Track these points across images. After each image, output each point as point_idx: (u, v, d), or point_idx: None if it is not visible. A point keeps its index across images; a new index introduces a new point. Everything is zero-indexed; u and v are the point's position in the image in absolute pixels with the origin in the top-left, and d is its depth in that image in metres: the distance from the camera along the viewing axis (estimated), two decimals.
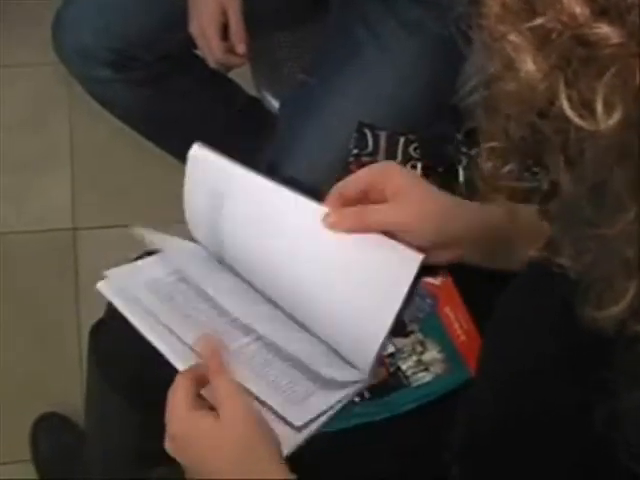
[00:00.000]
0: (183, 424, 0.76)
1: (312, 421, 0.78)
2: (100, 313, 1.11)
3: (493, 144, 0.55)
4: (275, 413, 0.77)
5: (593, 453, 0.59)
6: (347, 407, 0.82)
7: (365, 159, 1.02)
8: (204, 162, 0.87)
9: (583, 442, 0.60)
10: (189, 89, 1.46)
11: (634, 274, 0.49)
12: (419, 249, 0.79)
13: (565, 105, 0.46)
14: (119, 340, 1.05)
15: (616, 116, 0.45)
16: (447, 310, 0.91)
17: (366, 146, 1.03)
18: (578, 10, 0.45)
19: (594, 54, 0.45)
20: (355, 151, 1.03)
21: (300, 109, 1.22)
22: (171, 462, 1.21)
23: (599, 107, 0.45)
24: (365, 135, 1.04)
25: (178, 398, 0.77)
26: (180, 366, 0.81)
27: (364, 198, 0.82)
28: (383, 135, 1.03)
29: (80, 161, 1.83)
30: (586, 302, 0.52)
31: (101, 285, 0.87)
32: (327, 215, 0.80)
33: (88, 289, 1.67)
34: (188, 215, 0.90)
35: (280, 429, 0.76)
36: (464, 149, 1.01)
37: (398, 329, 0.84)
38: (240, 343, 0.82)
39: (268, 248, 0.84)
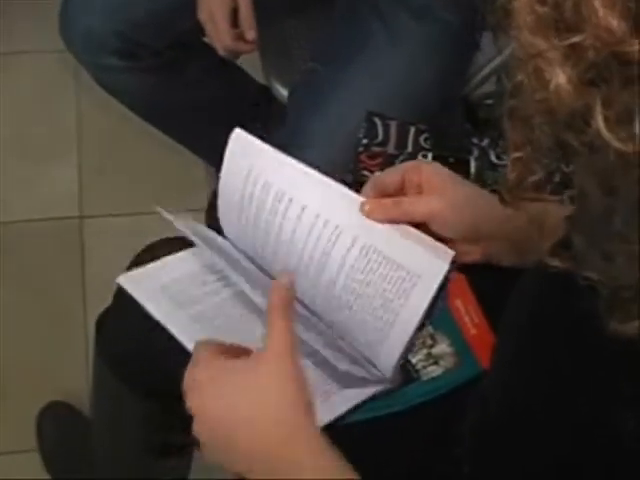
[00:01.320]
0: (212, 367, 0.67)
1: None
2: (107, 301, 1.10)
3: (518, 154, 0.54)
4: None
5: (606, 454, 0.59)
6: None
7: (375, 149, 1.01)
8: (246, 146, 0.86)
9: (596, 442, 0.59)
10: (198, 77, 1.45)
11: None
12: (451, 242, 0.80)
13: (601, 125, 0.45)
14: (125, 329, 1.05)
15: None
16: (458, 303, 0.90)
17: (376, 136, 1.02)
18: (615, 24, 0.43)
19: (633, 72, 0.43)
20: (365, 141, 1.02)
21: (309, 97, 1.21)
22: (179, 454, 1.22)
23: (638, 128, 0.43)
24: (375, 125, 1.03)
25: (201, 353, 0.68)
26: None
27: (400, 191, 0.84)
28: (394, 125, 1.02)
29: (87, 149, 1.83)
30: (611, 315, 0.50)
31: (123, 280, 0.90)
32: (364, 203, 0.81)
33: (95, 277, 1.67)
34: (221, 202, 0.89)
35: None
36: (475, 140, 1.01)
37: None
38: None
39: (300, 237, 0.83)
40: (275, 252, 0.86)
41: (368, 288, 0.80)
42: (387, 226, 0.80)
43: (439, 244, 0.80)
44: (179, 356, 0.82)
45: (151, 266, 0.92)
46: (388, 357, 0.82)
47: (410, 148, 1.02)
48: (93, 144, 1.84)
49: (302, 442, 0.65)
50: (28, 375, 1.57)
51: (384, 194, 0.83)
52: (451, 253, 0.79)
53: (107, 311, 1.11)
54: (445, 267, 0.78)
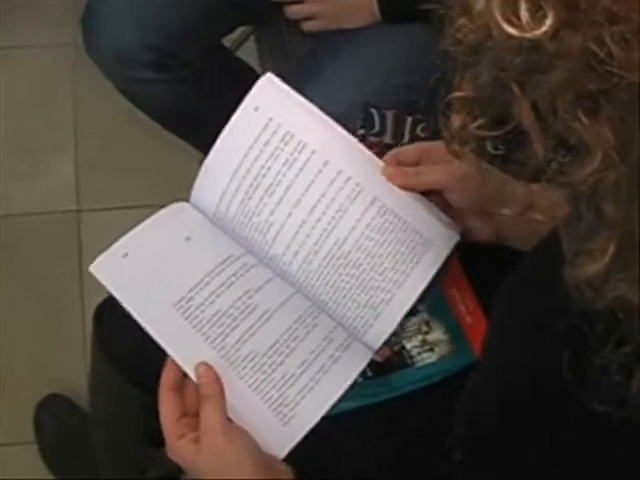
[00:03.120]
0: (170, 449, 0.80)
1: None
2: (104, 294, 1.10)
3: (461, 94, 0.54)
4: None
5: (598, 439, 0.59)
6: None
7: (372, 139, 1.01)
8: (276, 91, 0.85)
9: (588, 428, 0.60)
10: (221, 84, 1.44)
11: (614, 234, 0.48)
12: (463, 217, 0.84)
13: (497, 16, 0.46)
14: (123, 321, 1.05)
15: (547, 22, 0.45)
16: (453, 291, 0.91)
17: (373, 126, 1.02)
18: None
19: None
20: (362, 131, 1.02)
21: (306, 76, 1.21)
22: None
23: (524, 13, 0.45)
24: (372, 115, 1.03)
25: (164, 422, 0.80)
26: (179, 360, 0.80)
27: (416, 166, 0.86)
28: (390, 115, 1.02)
29: (85, 143, 1.83)
30: (569, 264, 0.51)
31: (94, 268, 0.86)
32: (386, 167, 0.85)
33: None
34: (217, 149, 0.87)
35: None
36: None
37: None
38: (246, 326, 0.81)
39: (317, 190, 0.83)
40: (275, 209, 0.84)
41: (381, 248, 0.82)
42: (404, 192, 0.84)
43: (449, 218, 0.84)
44: None
45: (120, 243, 0.86)
46: (388, 321, 0.82)
47: (407, 138, 1.02)
48: (91, 138, 1.83)
49: None
50: (26, 368, 1.57)
51: (402, 165, 0.86)
52: (458, 227, 0.83)
53: (105, 302, 1.11)
54: (457, 237, 0.82)
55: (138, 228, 0.86)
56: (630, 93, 0.45)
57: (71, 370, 1.55)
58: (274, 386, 0.79)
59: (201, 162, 1.81)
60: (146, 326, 0.82)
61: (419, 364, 0.88)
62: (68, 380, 1.55)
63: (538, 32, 0.45)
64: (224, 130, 0.86)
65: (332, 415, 0.81)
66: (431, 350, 0.89)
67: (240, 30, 1.73)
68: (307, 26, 1.30)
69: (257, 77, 1.51)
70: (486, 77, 0.52)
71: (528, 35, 0.46)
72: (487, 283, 0.80)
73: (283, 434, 0.78)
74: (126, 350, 1.06)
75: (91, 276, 1.64)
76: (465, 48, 0.51)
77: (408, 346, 0.88)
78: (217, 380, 0.79)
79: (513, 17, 0.46)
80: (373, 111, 1.03)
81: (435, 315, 0.90)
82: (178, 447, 0.78)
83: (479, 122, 0.55)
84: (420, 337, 0.89)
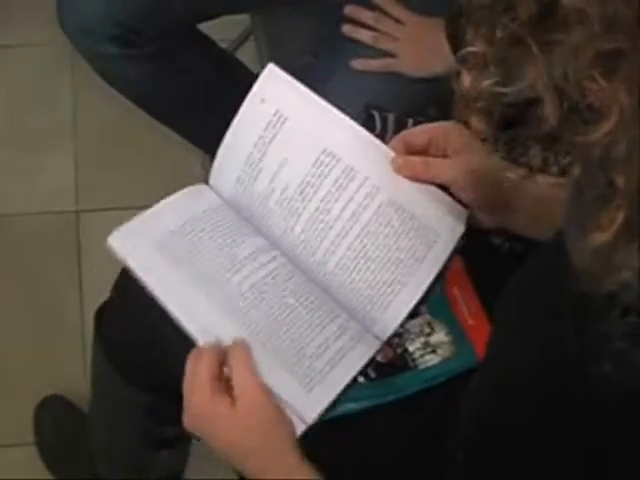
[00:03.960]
0: (202, 408, 0.77)
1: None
2: (103, 295, 1.10)
3: (475, 49, 0.54)
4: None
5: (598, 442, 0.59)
6: (352, 388, 0.82)
7: None
8: (280, 82, 0.85)
9: (593, 428, 0.60)
10: (193, 65, 1.44)
11: (623, 203, 0.48)
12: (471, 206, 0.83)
13: None
14: (125, 323, 1.05)
15: None
16: (455, 292, 0.91)
17: (374, 128, 1.03)
18: None
19: None
20: None
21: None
22: (176, 446, 1.23)
23: None
24: (373, 117, 1.03)
25: (202, 376, 0.77)
26: (194, 333, 0.80)
27: (425, 151, 0.85)
28: (391, 117, 1.03)
29: (84, 142, 1.82)
30: (575, 235, 0.51)
31: (111, 240, 0.85)
32: (394, 159, 0.83)
33: (91, 272, 1.67)
34: (227, 141, 0.87)
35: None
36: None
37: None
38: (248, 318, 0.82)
39: (316, 183, 0.84)
40: (283, 198, 0.85)
41: (388, 240, 0.82)
42: (410, 182, 0.83)
43: (456, 204, 0.83)
44: (178, 349, 0.83)
45: (138, 219, 0.86)
46: (396, 313, 0.82)
47: None
48: (90, 137, 1.83)
49: (280, 473, 0.76)
50: (24, 369, 1.57)
51: (410, 151, 0.85)
52: (465, 212, 0.82)
53: (106, 304, 1.11)
54: (462, 227, 0.82)
55: (157, 206, 0.87)
56: None
57: (70, 371, 1.55)
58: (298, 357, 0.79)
59: (203, 163, 1.82)
60: (163, 299, 0.82)
61: (422, 366, 0.88)
62: (67, 381, 1.55)
63: None
64: (233, 123, 0.87)
65: (336, 416, 0.81)
66: (433, 352, 0.89)
67: (239, 31, 1.74)
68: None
69: (237, 63, 1.52)
70: (501, 33, 0.51)
71: None
72: (489, 284, 0.80)
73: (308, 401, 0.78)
74: (127, 351, 1.06)
75: (91, 277, 1.65)
76: (480, 1, 0.51)
77: (411, 348, 0.88)
78: (246, 342, 0.78)
79: None
80: (374, 113, 1.03)
81: (437, 317, 0.90)
82: (214, 402, 0.76)
83: (492, 80, 0.53)
84: (422, 339, 0.89)
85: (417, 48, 1.21)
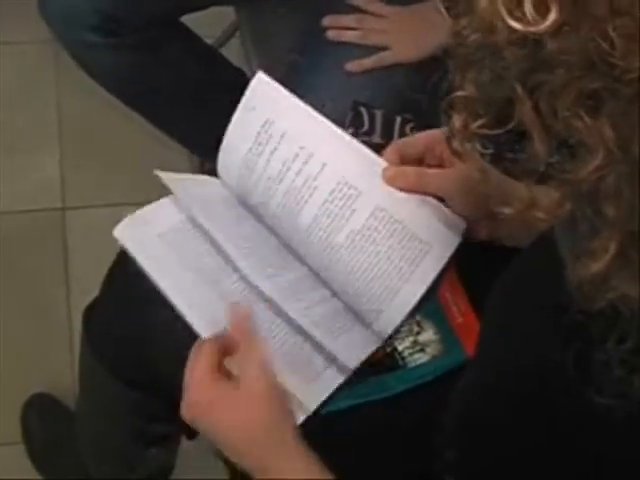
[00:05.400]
0: (204, 392, 0.76)
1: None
2: (90, 293, 1.10)
3: (463, 93, 0.55)
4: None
5: (591, 437, 0.59)
6: (341, 387, 0.82)
7: (361, 138, 1.02)
8: (269, 90, 0.85)
9: (581, 422, 0.60)
10: (176, 59, 1.44)
11: (615, 233, 0.49)
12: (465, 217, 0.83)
13: (502, 11, 0.47)
14: (113, 320, 1.05)
15: (551, 17, 0.46)
16: (444, 291, 0.91)
17: (362, 125, 1.02)
18: None
19: None
20: (350, 130, 1.02)
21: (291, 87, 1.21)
22: (165, 444, 1.22)
23: (529, 7, 0.46)
24: (361, 114, 1.03)
25: (202, 365, 0.76)
26: (198, 326, 0.80)
27: (420, 160, 0.85)
28: (379, 114, 1.03)
29: (69, 140, 1.82)
30: (570, 263, 0.52)
31: (117, 232, 0.85)
32: (386, 169, 0.82)
33: (78, 269, 1.66)
34: (225, 144, 0.88)
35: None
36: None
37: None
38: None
39: (311, 190, 0.83)
40: (274, 214, 0.86)
41: (380, 252, 0.81)
42: (404, 193, 0.82)
43: (453, 215, 0.83)
44: (167, 347, 0.83)
45: (144, 211, 0.86)
46: (388, 322, 0.83)
47: (396, 138, 1.02)
48: (74, 135, 1.82)
49: (281, 454, 0.75)
50: (11, 367, 1.56)
51: (405, 160, 0.84)
52: (463, 224, 0.82)
53: (94, 302, 1.10)
54: (458, 239, 0.82)
55: (163, 199, 0.87)
56: (632, 89, 0.45)
57: (57, 369, 1.55)
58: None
59: (190, 160, 1.81)
60: (167, 292, 0.81)
61: (411, 365, 0.88)
62: (54, 379, 1.54)
63: (542, 26, 0.46)
64: (227, 130, 0.87)
65: (324, 414, 0.81)
66: (422, 351, 0.89)
67: (224, 27, 1.73)
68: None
69: (222, 59, 1.51)
70: (488, 76, 0.52)
71: (532, 29, 0.46)
72: (477, 282, 0.81)
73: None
74: (115, 349, 1.06)
75: (77, 274, 1.64)
76: (467, 47, 0.52)
77: (400, 348, 0.88)
78: (251, 331, 0.77)
79: (518, 12, 0.47)
80: (362, 110, 1.03)
81: (426, 315, 0.90)
82: (216, 387, 0.75)
83: (480, 121, 0.55)
84: (412, 338, 0.89)
85: (407, 34, 1.22)
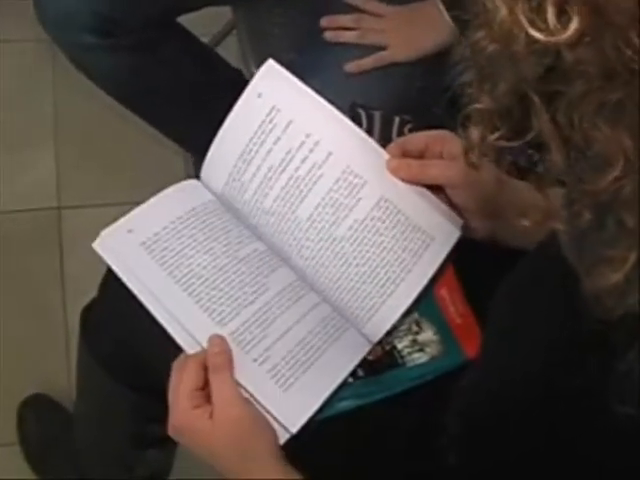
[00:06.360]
0: (182, 420, 0.78)
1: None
2: (86, 293, 1.10)
3: (480, 106, 0.55)
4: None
5: (595, 443, 0.59)
6: (340, 387, 0.82)
7: None
8: (278, 78, 0.85)
9: (584, 429, 0.60)
10: (173, 59, 1.43)
11: (634, 242, 0.48)
12: (464, 212, 0.84)
13: (523, 20, 0.46)
14: (111, 321, 1.05)
15: (572, 26, 0.45)
16: (443, 292, 0.91)
17: (360, 126, 1.02)
18: None
19: None
20: None
21: None
22: (163, 445, 1.22)
23: (551, 17, 0.46)
24: (359, 115, 1.03)
25: (185, 385, 0.77)
26: (180, 340, 0.80)
27: (421, 156, 0.86)
28: (377, 115, 1.02)
29: (65, 139, 1.81)
30: (586, 274, 0.52)
31: (97, 245, 0.83)
32: (390, 160, 0.84)
33: (74, 269, 1.66)
34: (221, 135, 0.86)
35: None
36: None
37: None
38: (239, 320, 0.81)
39: (315, 179, 0.83)
40: (277, 200, 0.85)
41: (381, 242, 0.82)
42: (407, 185, 0.83)
43: (451, 211, 0.84)
44: (164, 349, 0.82)
45: (126, 219, 0.84)
46: (387, 316, 0.83)
47: (395, 138, 1.02)
48: (71, 134, 1.82)
49: (256, 473, 0.77)
50: (8, 368, 1.56)
51: (406, 156, 0.86)
52: (460, 221, 0.83)
53: (91, 304, 1.10)
54: (457, 232, 0.82)
55: (144, 205, 0.85)
56: None
57: (53, 369, 1.54)
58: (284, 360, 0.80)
59: (185, 160, 1.80)
60: (147, 304, 0.81)
61: (410, 364, 0.88)
62: (50, 380, 1.54)
63: (564, 36, 0.46)
64: (229, 116, 0.86)
65: (323, 416, 0.81)
66: (422, 350, 0.89)
67: (220, 26, 1.73)
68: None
69: (218, 58, 1.51)
70: (505, 88, 0.52)
71: (553, 39, 0.46)
72: (477, 284, 0.81)
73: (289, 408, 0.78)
74: (113, 350, 1.06)
75: (73, 274, 1.64)
76: (484, 59, 0.51)
77: (399, 346, 0.88)
78: (229, 352, 0.79)
79: (539, 21, 0.46)
80: (360, 111, 1.03)
81: (425, 315, 0.90)
82: (193, 416, 0.77)
83: (498, 134, 0.55)
84: (411, 337, 0.89)
85: (405, 33, 1.22)
